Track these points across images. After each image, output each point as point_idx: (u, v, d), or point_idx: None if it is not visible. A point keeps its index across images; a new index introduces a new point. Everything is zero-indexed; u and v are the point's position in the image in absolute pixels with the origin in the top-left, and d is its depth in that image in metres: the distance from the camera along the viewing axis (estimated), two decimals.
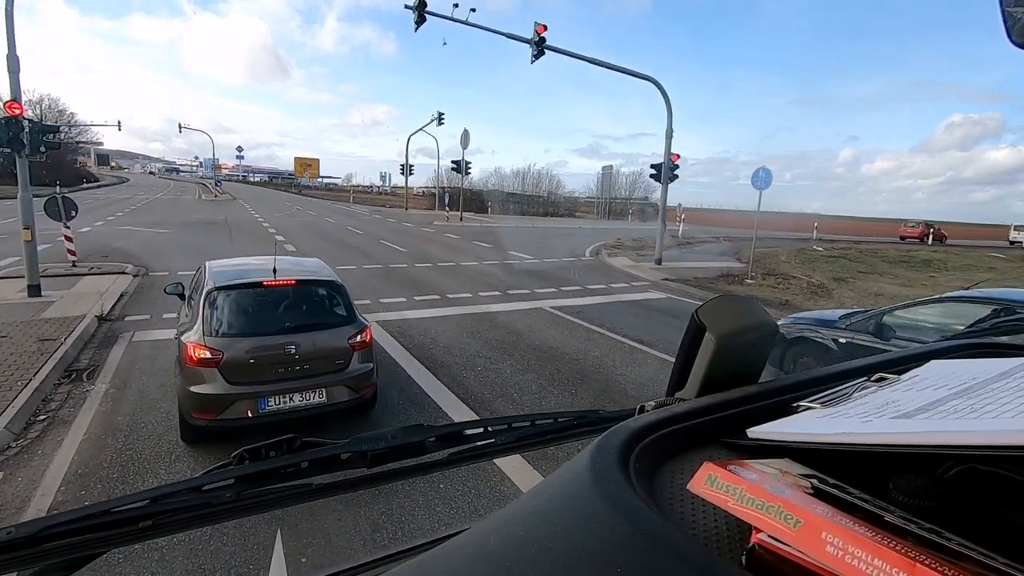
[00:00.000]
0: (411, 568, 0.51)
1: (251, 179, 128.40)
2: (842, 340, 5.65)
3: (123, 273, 11.39)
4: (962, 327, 3.34)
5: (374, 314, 8.64)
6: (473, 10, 14.70)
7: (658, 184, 15.73)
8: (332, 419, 4.55)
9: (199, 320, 4.27)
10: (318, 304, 4.87)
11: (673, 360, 0.86)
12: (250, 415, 4.12)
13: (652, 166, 15.54)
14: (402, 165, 41.28)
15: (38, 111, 50.22)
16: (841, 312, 6.15)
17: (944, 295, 6.21)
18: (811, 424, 0.60)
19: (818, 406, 0.65)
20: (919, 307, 5.68)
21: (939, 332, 4.72)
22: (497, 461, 4.14)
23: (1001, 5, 0.76)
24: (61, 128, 28.10)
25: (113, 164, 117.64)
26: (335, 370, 4.45)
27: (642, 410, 0.76)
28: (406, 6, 14.45)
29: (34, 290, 9.06)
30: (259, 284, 4.55)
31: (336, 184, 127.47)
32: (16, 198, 9.08)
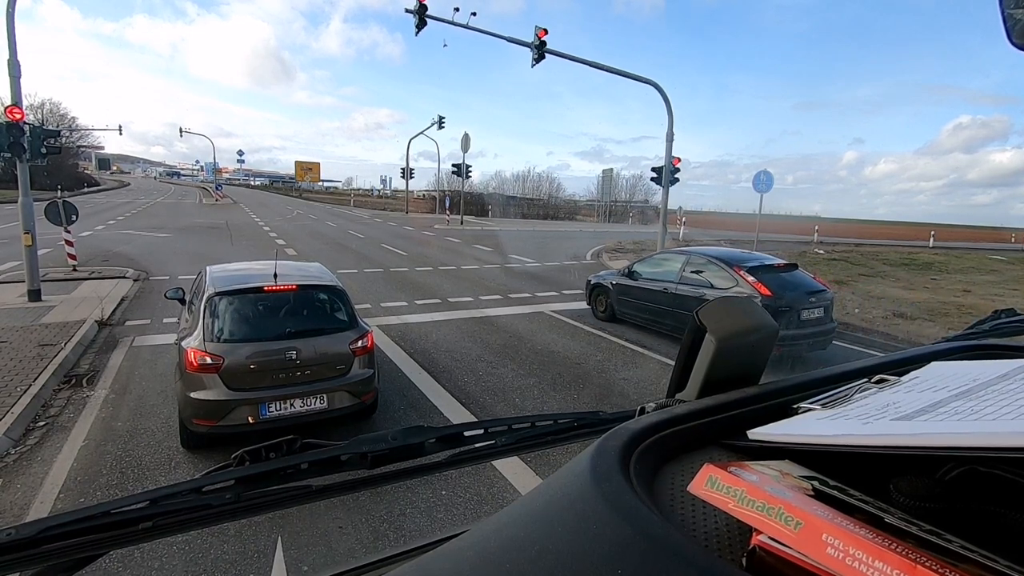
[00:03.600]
0: (411, 570, 0.51)
1: (252, 183, 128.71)
2: (614, 281, 9.19)
3: (123, 277, 11.40)
4: (667, 270, 8.37)
5: (375, 318, 8.64)
6: (474, 14, 14.74)
7: (658, 187, 15.73)
8: (333, 423, 4.54)
9: (200, 325, 4.27)
10: (319, 309, 4.87)
11: (673, 363, 0.86)
12: (251, 421, 4.11)
13: (653, 169, 15.54)
14: (403, 168, 41.38)
15: (39, 116, 50.36)
16: (616, 270, 9.96)
17: (656, 252, 10.11)
18: (812, 426, 0.60)
19: (819, 407, 0.64)
20: (645, 260, 9.27)
21: (659, 271, 8.54)
22: (498, 466, 4.13)
23: (1001, 6, 0.76)
24: (62, 133, 28.14)
25: (114, 168, 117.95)
26: (336, 376, 4.45)
27: (642, 411, 0.76)
28: (407, 10, 14.49)
29: (34, 295, 9.07)
30: (260, 289, 4.55)
31: (337, 188, 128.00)
32: (17, 203, 9.10)
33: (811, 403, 0.66)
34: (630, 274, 8.96)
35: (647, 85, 14.98)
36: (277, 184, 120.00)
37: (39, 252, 9.43)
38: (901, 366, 0.81)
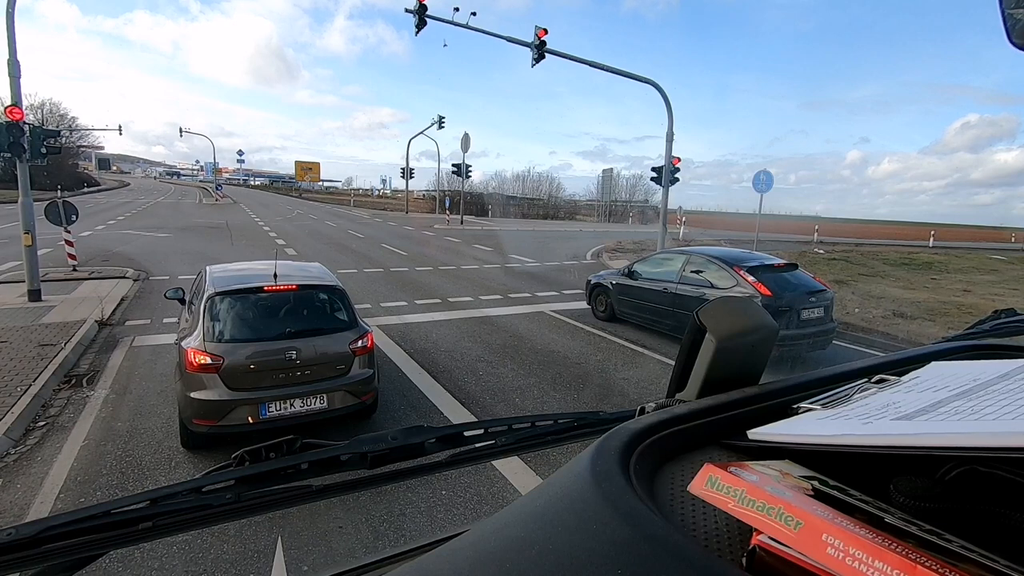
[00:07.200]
0: (411, 570, 0.51)
1: (252, 183, 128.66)
2: (614, 281, 9.22)
3: (123, 277, 11.40)
4: (667, 269, 8.44)
5: (375, 318, 8.64)
6: (473, 14, 14.72)
7: (658, 187, 15.73)
8: (333, 423, 4.54)
9: (199, 325, 4.27)
10: (319, 309, 4.86)
11: (673, 363, 0.86)
12: (251, 421, 4.11)
13: (653, 169, 15.53)
14: (403, 168, 41.38)
15: (39, 116, 50.32)
16: (616, 270, 9.94)
17: (656, 252, 10.19)
18: (812, 426, 0.60)
19: (819, 407, 0.64)
20: (645, 260, 9.30)
21: (659, 271, 8.55)
22: (498, 466, 4.13)
23: (1001, 6, 0.76)
24: (62, 133, 28.13)
25: (114, 168, 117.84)
26: (336, 376, 4.45)
27: (642, 411, 0.76)
28: (407, 10, 14.48)
29: (34, 295, 9.06)
30: (260, 289, 4.54)
31: (337, 188, 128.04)
32: (17, 202, 9.10)
33: (811, 403, 0.66)
34: (630, 274, 9.01)
35: (649, 85, 14.98)
36: (277, 184, 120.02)
37: (39, 252, 9.43)
38: (901, 366, 0.81)
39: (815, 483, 0.49)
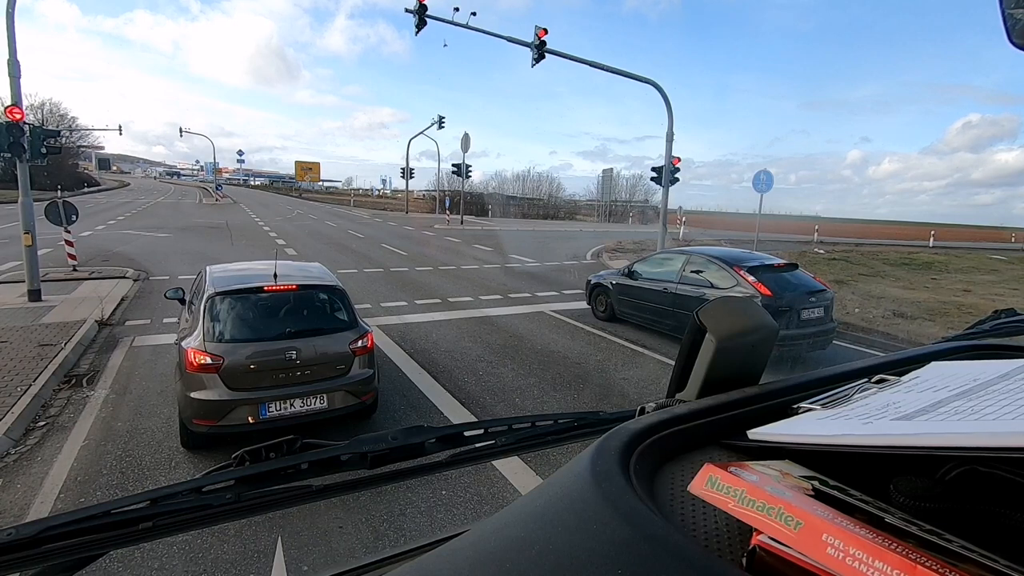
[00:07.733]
0: (411, 570, 0.51)
1: (252, 183, 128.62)
2: (614, 281, 9.24)
3: (123, 277, 11.40)
4: (667, 269, 8.50)
5: (375, 318, 8.64)
6: (473, 14, 14.71)
7: (658, 187, 15.73)
8: (333, 423, 4.54)
9: (199, 325, 4.27)
10: (319, 309, 4.86)
11: (673, 363, 0.86)
12: (251, 421, 4.11)
13: (653, 169, 15.52)
14: (403, 168, 41.38)
15: (39, 116, 50.29)
16: (616, 269, 9.98)
17: (656, 252, 10.20)
18: (812, 426, 0.60)
19: (819, 407, 0.64)
20: (645, 260, 9.32)
21: (659, 271, 8.55)
22: (498, 466, 4.13)
23: (1001, 6, 0.77)
24: (62, 133, 28.12)
25: (114, 168, 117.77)
26: (336, 376, 4.45)
27: (642, 411, 0.76)
28: (407, 10, 14.49)
29: (34, 295, 9.06)
30: (260, 289, 4.55)
31: (337, 188, 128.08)
32: (17, 202, 9.10)
33: (811, 403, 0.66)
34: (630, 274, 9.02)
35: (649, 85, 14.97)
36: (277, 184, 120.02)
37: (39, 252, 9.43)
38: (901, 366, 0.81)
39: (815, 483, 0.49)
